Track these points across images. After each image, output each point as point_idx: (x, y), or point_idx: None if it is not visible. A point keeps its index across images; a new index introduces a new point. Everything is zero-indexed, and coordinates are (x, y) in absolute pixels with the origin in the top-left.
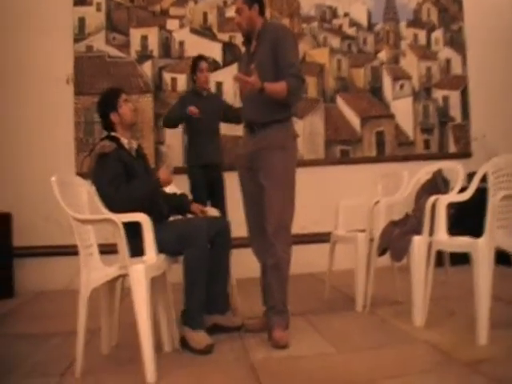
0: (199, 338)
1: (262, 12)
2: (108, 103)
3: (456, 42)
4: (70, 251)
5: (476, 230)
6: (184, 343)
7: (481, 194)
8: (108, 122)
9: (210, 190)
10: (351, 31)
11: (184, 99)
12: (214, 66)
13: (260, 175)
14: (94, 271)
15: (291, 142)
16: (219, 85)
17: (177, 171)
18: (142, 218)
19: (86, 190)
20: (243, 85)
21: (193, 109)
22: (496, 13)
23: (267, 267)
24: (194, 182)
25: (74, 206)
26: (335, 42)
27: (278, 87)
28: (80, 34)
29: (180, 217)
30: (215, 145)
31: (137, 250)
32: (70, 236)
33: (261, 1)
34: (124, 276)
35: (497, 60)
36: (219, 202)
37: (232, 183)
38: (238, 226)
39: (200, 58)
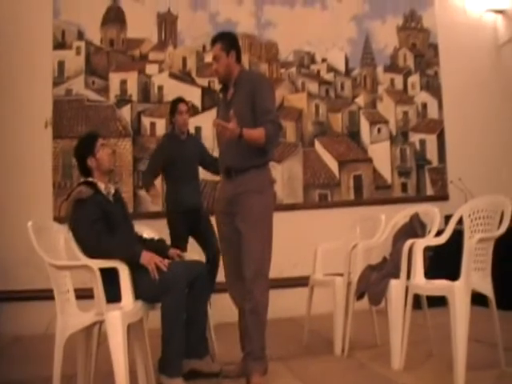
0: None
1: (238, 59)
2: (85, 148)
3: (432, 86)
4: (50, 295)
5: (453, 273)
6: None
7: (458, 237)
8: (85, 167)
9: (192, 232)
10: (329, 76)
11: (162, 146)
12: (193, 111)
13: (237, 219)
14: (70, 317)
15: (268, 187)
16: (198, 129)
17: (156, 216)
18: (118, 264)
19: (63, 235)
20: (222, 131)
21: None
22: (471, 58)
23: (245, 312)
24: (174, 228)
25: (50, 252)
26: (313, 87)
27: (256, 134)
28: (59, 77)
29: None
30: (195, 189)
31: (114, 295)
32: (46, 280)
33: (238, 48)
34: (101, 322)
35: (472, 104)
36: (207, 236)
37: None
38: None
39: (179, 100)
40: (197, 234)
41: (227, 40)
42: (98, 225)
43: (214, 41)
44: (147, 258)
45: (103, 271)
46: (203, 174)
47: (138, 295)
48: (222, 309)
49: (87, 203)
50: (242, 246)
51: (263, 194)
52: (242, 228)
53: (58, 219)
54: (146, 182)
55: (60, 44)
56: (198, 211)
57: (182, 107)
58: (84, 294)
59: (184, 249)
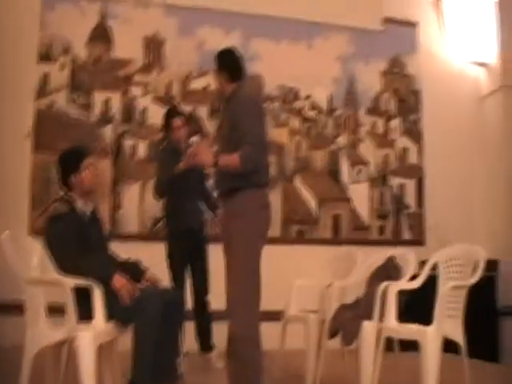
0: None
1: (233, 77)
2: (71, 163)
3: (413, 132)
4: (20, 309)
5: (426, 318)
6: None
7: (432, 282)
8: (66, 182)
9: (189, 258)
10: (312, 114)
11: (164, 161)
12: None
13: (226, 246)
14: (40, 332)
15: (252, 210)
16: None
17: (133, 237)
18: (92, 283)
19: (37, 249)
20: (196, 159)
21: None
22: (453, 107)
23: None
24: (171, 250)
25: (23, 265)
26: (296, 123)
27: (231, 159)
28: (42, 90)
29: None
30: (196, 207)
31: (86, 313)
32: (18, 293)
33: (230, 66)
34: (71, 340)
35: (452, 152)
36: (199, 273)
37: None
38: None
39: (172, 114)
40: (193, 268)
41: (218, 60)
42: (71, 243)
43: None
44: (119, 283)
45: (77, 288)
46: None
47: (110, 315)
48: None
49: (62, 220)
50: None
51: (243, 218)
52: (227, 255)
53: (33, 233)
54: (160, 191)
55: (45, 57)
56: (198, 233)
57: (177, 122)
58: (58, 308)
59: (180, 274)
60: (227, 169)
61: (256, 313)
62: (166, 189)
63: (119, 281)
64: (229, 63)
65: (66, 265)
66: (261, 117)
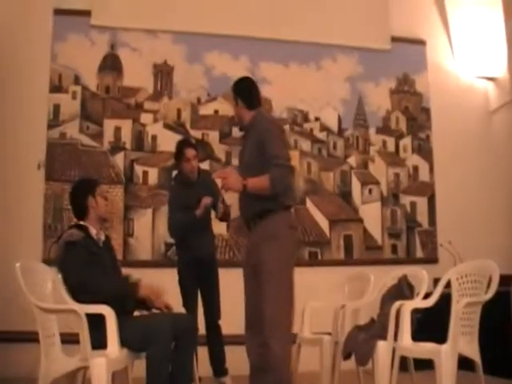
0: None
1: (251, 105)
2: (87, 187)
3: (424, 149)
4: (35, 338)
5: (441, 336)
6: None
7: (446, 300)
8: (82, 206)
9: (200, 283)
10: (322, 135)
11: (175, 193)
12: None
13: (257, 271)
14: (54, 362)
15: (285, 231)
16: None
17: (146, 264)
18: (105, 310)
19: (51, 277)
20: (224, 183)
21: (206, 201)
22: (462, 123)
23: (254, 369)
24: (182, 275)
25: (37, 294)
26: (306, 145)
27: (261, 181)
28: (54, 120)
29: (145, 312)
30: (207, 237)
31: (100, 341)
32: (33, 322)
33: (247, 94)
34: (85, 368)
35: (463, 168)
36: (210, 298)
37: (223, 279)
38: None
39: (185, 144)
40: (204, 293)
41: (235, 88)
42: (87, 267)
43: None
44: (146, 290)
45: (90, 316)
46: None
47: (123, 343)
48: (238, 361)
49: (77, 246)
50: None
51: (280, 240)
52: (260, 279)
53: (46, 261)
54: (175, 234)
55: (56, 87)
56: (209, 262)
57: (190, 153)
58: (70, 339)
59: (193, 306)
60: (256, 191)
61: (291, 333)
62: (181, 233)
63: (146, 287)
64: (245, 91)
65: (82, 289)
66: (285, 141)
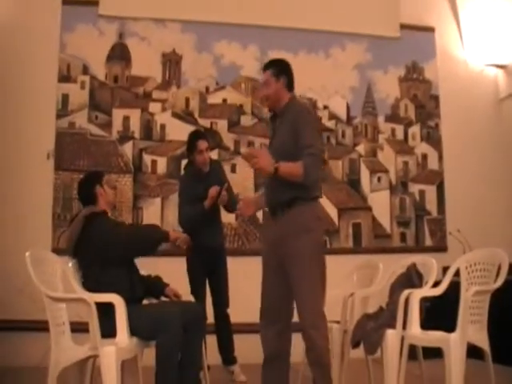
0: None
1: (290, 87)
2: (94, 177)
3: (432, 137)
4: (45, 327)
5: (449, 324)
6: None
7: (455, 288)
8: (90, 194)
9: (208, 272)
10: (330, 124)
11: (185, 185)
12: None
13: (286, 263)
14: (64, 350)
15: (315, 224)
16: None
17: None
18: (115, 299)
19: (60, 266)
20: (254, 162)
21: (213, 191)
22: (471, 110)
23: (269, 360)
24: (190, 264)
25: (47, 283)
26: None
27: (294, 168)
28: (63, 110)
29: (154, 300)
30: (216, 226)
31: (109, 330)
32: (42, 311)
33: (290, 75)
34: (95, 356)
35: (472, 156)
36: (218, 287)
37: (232, 268)
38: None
39: (198, 136)
40: (212, 282)
41: (278, 65)
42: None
43: (266, 67)
44: (175, 234)
45: (99, 305)
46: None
47: (133, 331)
48: (247, 350)
49: (102, 215)
50: (293, 291)
51: (311, 232)
52: (293, 272)
53: (56, 251)
54: (186, 226)
55: (65, 77)
56: (218, 251)
57: (202, 145)
58: (79, 328)
59: (200, 292)
60: (286, 177)
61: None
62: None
63: (175, 233)
64: (288, 71)
65: (115, 251)
66: (319, 130)
